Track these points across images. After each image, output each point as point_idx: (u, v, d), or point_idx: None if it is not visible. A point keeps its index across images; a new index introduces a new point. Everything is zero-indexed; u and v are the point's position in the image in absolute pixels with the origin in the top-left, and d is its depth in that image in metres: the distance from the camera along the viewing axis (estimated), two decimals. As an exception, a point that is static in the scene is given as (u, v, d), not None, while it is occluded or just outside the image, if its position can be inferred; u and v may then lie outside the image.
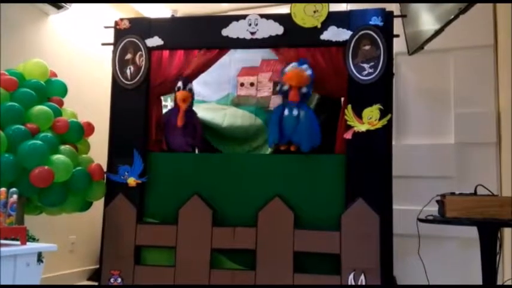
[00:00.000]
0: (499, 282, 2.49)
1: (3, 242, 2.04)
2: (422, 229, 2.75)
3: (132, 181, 3.12)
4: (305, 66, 2.98)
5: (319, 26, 3.03)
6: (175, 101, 3.28)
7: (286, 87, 2.99)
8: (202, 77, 3.38)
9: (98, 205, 3.21)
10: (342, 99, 3.19)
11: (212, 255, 2.98)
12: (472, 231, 2.66)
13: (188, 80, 3.24)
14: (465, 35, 3.80)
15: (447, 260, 3.65)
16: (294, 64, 3.00)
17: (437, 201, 2.45)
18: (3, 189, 2.13)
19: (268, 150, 3.29)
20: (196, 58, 3.22)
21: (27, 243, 2.15)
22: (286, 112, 3.00)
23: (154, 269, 3.04)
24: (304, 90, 2.98)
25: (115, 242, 3.09)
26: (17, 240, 2.10)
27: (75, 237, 4.04)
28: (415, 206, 2.82)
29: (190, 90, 3.24)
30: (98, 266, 3.22)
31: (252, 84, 3.62)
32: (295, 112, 2.97)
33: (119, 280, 3.02)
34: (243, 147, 3.44)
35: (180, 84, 3.20)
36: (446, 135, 3.90)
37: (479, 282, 2.44)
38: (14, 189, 2.15)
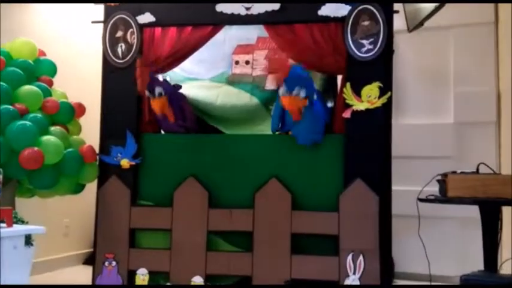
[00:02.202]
0: (499, 263, 2.46)
1: (-13, 224, 1.98)
2: (420, 210, 2.71)
3: (125, 163, 3.04)
4: (297, 89, 2.81)
5: (316, -1, 2.93)
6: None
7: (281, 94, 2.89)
8: (196, 54, 3.28)
9: (93, 187, 3.14)
10: (340, 77, 3.11)
11: (208, 238, 2.93)
12: (471, 211, 2.63)
13: (153, 82, 3.06)
14: (465, 12, 3.73)
15: (446, 240, 3.64)
16: (284, 88, 2.84)
17: (438, 181, 2.40)
18: (-13, 170, 2.05)
19: (266, 131, 3.22)
20: (189, 35, 3.11)
21: (15, 225, 2.08)
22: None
23: (149, 252, 3.00)
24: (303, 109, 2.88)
25: (109, 225, 3.03)
26: (3, 222, 2.03)
27: (69, 221, 3.99)
28: (413, 187, 2.77)
29: (160, 95, 3.04)
30: (92, 250, 3.17)
31: (247, 62, 3.53)
32: None
33: (114, 263, 2.97)
34: (239, 127, 3.36)
35: (147, 94, 3.05)
36: (446, 114, 3.85)
37: (479, 262, 2.41)
38: (-2, 169, 2.08)
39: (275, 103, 3.07)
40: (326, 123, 2.96)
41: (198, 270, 2.90)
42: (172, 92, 3.21)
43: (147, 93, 3.08)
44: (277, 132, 3.13)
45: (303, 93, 2.85)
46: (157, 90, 3.06)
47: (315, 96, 2.95)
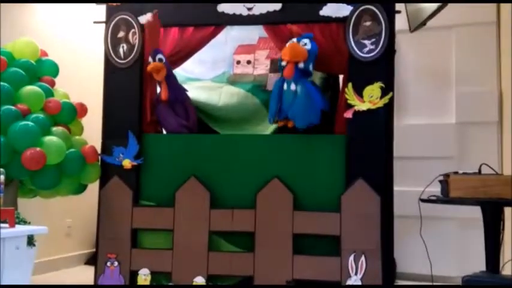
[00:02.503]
0: (501, 264, 2.46)
1: (-10, 224, 1.98)
2: (422, 210, 2.71)
3: (127, 163, 3.05)
4: (305, 40, 2.86)
5: (318, -1, 2.93)
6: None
7: (283, 63, 2.89)
8: (197, 55, 3.28)
9: (94, 188, 3.15)
10: (342, 77, 3.10)
11: (210, 238, 2.93)
12: (472, 212, 2.62)
13: (157, 51, 3.06)
14: (467, 12, 3.73)
15: (447, 241, 3.63)
16: (294, 39, 2.90)
17: (440, 181, 2.40)
18: (-11, 170, 2.06)
19: (268, 130, 3.21)
20: (191, 35, 3.11)
21: (17, 226, 2.09)
22: (285, 87, 2.90)
23: (151, 252, 3.00)
24: (301, 65, 2.84)
25: (111, 225, 3.04)
26: (6, 222, 2.03)
27: (71, 221, 4.00)
28: (415, 187, 2.77)
29: (161, 60, 3.04)
30: (94, 250, 3.18)
31: (248, 62, 3.53)
32: (292, 87, 2.87)
33: (116, 263, 2.98)
34: (240, 127, 3.35)
35: (150, 59, 3.06)
36: (447, 114, 3.84)
37: (480, 263, 2.41)
38: (0, 169, 2.08)
39: (271, 93, 3.02)
40: (323, 110, 2.91)
41: (200, 271, 2.90)
42: (177, 86, 3.21)
43: (149, 59, 3.05)
44: (274, 124, 3.08)
45: (308, 46, 2.84)
46: (159, 56, 3.04)
47: (311, 68, 2.91)
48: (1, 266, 1.85)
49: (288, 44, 2.89)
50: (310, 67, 2.90)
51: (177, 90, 3.19)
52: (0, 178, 2.05)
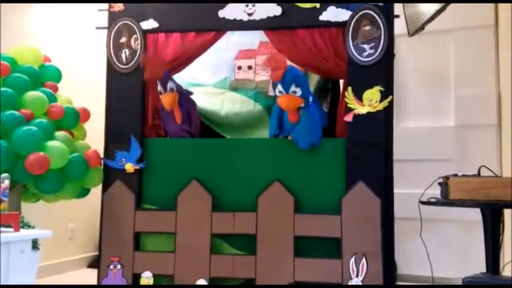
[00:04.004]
0: (501, 265, 2.48)
1: (-5, 228, 2.00)
2: (422, 212, 2.73)
3: (129, 167, 3.07)
4: (293, 88, 2.88)
5: (318, 6, 2.96)
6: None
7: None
8: (199, 60, 3.30)
9: (97, 192, 3.17)
10: (342, 81, 3.13)
11: (212, 241, 2.96)
12: (472, 214, 2.64)
13: (167, 77, 3.11)
14: (465, 15, 3.76)
15: (447, 243, 3.65)
16: (280, 88, 2.90)
17: (439, 183, 2.42)
18: (-6, 174, 2.08)
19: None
20: (192, 41, 3.15)
21: (22, 230, 2.11)
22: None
23: (154, 255, 3.02)
24: (301, 106, 2.91)
25: (114, 229, 3.06)
26: (10, 226, 2.05)
27: (74, 225, 4.02)
28: (414, 190, 2.79)
29: (172, 90, 3.12)
30: (97, 253, 3.20)
31: (249, 67, 3.56)
32: None
33: (119, 266, 3.00)
34: (244, 133, 3.38)
35: (159, 88, 3.11)
36: (446, 117, 3.87)
37: (480, 265, 2.43)
38: (5, 174, 2.10)
39: (272, 109, 3.09)
40: (323, 126, 2.98)
41: (202, 273, 2.92)
42: (183, 94, 3.24)
43: (159, 87, 3.10)
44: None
45: (299, 92, 2.88)
46: (170, 85, 3.10)
47: (311, 98, 2.97)
48: (7, 269, 1.87)
49: (281, 97, 2.92)
50: (310, 99, 2.95)
51: (185, 100, 3.23)
52: (5, 183, 2.07)
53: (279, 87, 2.92)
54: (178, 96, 3.17)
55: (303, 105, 2.92)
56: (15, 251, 1.93)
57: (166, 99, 3.11)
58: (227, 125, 3.42)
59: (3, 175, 2.09)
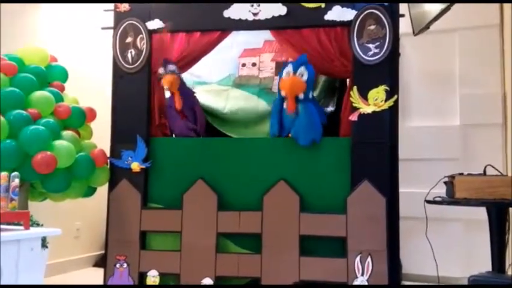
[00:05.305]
0: (507, 264, 2.48)
1: (6, 227, 2.02)
2: (427, 211, 2.73)
3: (136, 166, 3.09)
4: (301, 69, 2.88)
5: (323, 5, 2.97)
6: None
7: (283, 93, 2.93)
8: (204, 59, 3.31)
9: (103, 191, 3.19)
10: (347, 80, 3.14)
11: (218, 240, 2.97)
12: (477, 213, 2.65)
13: (167, 61, 3.14)
14: (470, 15, 3.76)
15: (453, 242, 3.65)
16: (289, 68, 2.91)
17: (445, 183, 2.43)
18: (4, 173, 2.10)
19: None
20: (198, 41, 3.16)
21: (31, 228, 2.13)
22: (285, 105, 2.95)
23: (160, 254, 3.04)
24: (301, 96, 2.90)
25: (120, 228, 3.07)
26: (20, 225, 2.07)
27: (80, 224, 4.05)
28: (420, 189, 2.80)
29: (173, 72, 3.12)
30: (103, 252, 3.22)
31: (253, 64, 3.56)
32: None
33: (125, 265, 3.02)
34: (248, 129, 3.39)
35: (161, 70, 3.13)
36: (452, 116, 3.87)
37: (486, 264, 2.43)
38: (15, 173, 2.12)
39: (272, 110, 3.08)
40: (323, 124, 2.97)
41: (208, 272, 2.93)
42: (187, 91, 3.25)
43: (160, 70, 3.12)
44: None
45: (305, 76, 2.88)
46: (170, 67, 3.11)
47: (311, 95, 2.96)
48: (17, 267, 1.89)
49: (286, 76, 2.92)
50: (310, 94, 2.95)
51: (188, 97, 3.24)
52: (15, 181, 2.09)
53: (289, 67, 2.91)
54: (183, 95, 3.17)
55: (302, 96, 2.89)
56: (25, 248, 1.95)
57: (167, 79, 3.10)
58: (231, 122, 3.43)
59: (13, 174, 2.11)
